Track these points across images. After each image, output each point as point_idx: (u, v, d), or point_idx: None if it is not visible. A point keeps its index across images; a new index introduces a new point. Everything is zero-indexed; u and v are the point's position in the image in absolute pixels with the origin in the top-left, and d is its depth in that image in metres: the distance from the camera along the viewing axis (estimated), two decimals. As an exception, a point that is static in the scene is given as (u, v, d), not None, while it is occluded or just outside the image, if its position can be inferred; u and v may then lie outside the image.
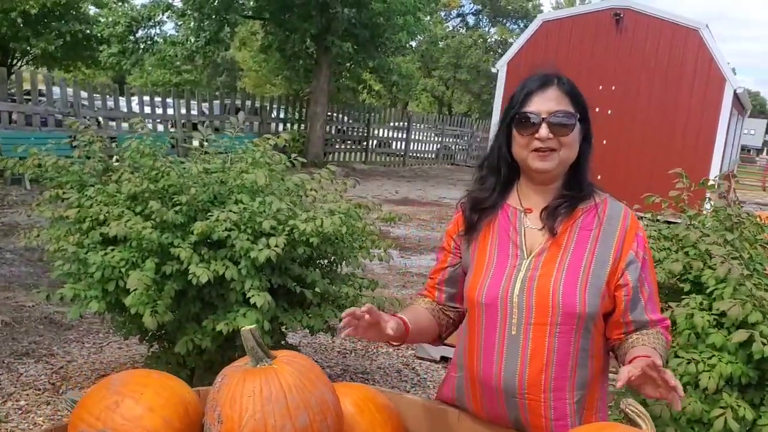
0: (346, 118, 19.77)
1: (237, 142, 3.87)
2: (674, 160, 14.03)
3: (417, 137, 22.75)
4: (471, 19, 30.00)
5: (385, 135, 21.62)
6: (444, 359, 4.98)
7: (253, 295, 3.09)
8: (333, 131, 18.87)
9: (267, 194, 3.45)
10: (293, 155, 3.89)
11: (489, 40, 25.52)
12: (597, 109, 14.54)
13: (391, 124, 21.67)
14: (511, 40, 26.01)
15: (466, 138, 24.59)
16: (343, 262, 3.79)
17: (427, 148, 23.48)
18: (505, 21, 29.03)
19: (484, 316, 1.79)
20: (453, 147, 24.63)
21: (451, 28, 27.95)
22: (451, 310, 2.00)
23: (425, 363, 4.94)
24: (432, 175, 20.11)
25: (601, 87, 14.67)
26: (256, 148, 3.60)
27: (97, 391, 1.69)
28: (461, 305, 1.96)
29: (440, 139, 23.58)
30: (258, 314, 3.21)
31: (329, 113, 18.02)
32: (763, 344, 2.19)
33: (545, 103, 1.75)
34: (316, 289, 3.59)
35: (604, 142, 14.62)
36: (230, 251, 3.21)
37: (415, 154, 22.75)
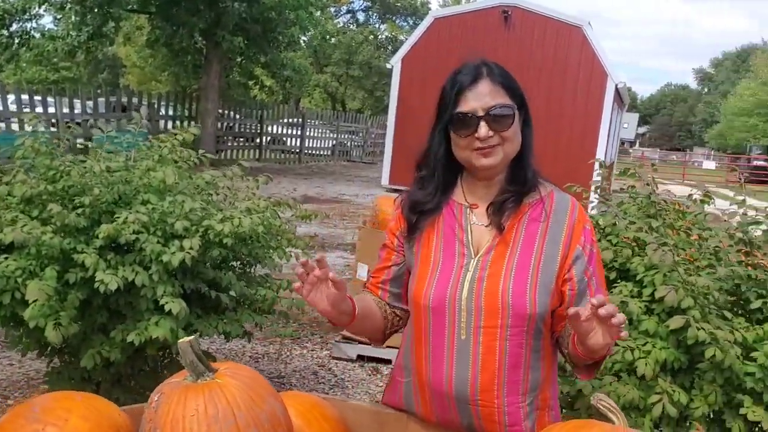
0: (237, 115, 19.32)
1: (129, 139, 3.58)
2: (562, 152, 14.60)
3: (312, 134, 22.55)
4: (361, 16, 30.22)
5: (279, 132, 21.29)
6: (360, 358, 4.90)
7: (167, 302, 2.89)
8: (224, 128, 18.39)
9: (176, 193, 3.24)
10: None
11: (380, 36, 25.62)
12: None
13: (285, 120, 21.36)
14: (401, 36, 26.23)
15: (361, 134, 24.61)
16: (258, 264, 3.63)
17: (322, 145, 23.33)
18: (394, 18, 29.27)
19: (431, 320, 1.70)
20: (348, 143, 24.58)
21: (341, 24, 27.90)
22: (395, 308, 1.89)
23: (342, 363, 4.84)
24: (329, 172, 19.99)
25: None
26: (163, 144, 3.37)
27: (12, 420, 1.49)
28: (403, 306, 1.86)
29: (335, 136, 23.48)
30: (172, 322, 3.00)
31: (220, 110, 17.53)
32: (698, 329, 2.23)
33: (479, 98, 1.66)
34: (232, 293, 3.42)
35: (497, 136, 14.99)
36: (139, 255, 2.99)
37: (310, 151, 22.55)
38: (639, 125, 67.44)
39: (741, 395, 2.36)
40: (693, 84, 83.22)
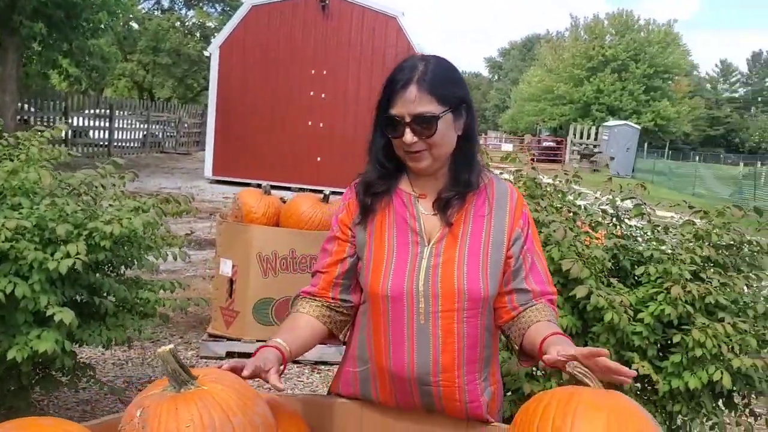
0: (38, 107, 17.75)
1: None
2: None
3: (120, 125, 21.27)
4: (166, 1, 28.85)
5: (84, 124, 19.87)
6: (230, 355, 4.80)
7: (55, 312, 2.67)
8: (22, 122, 16.84)
9: (44, 195, 2.99)
10: None
11: (187, 23, 24.70)
12: (312, 93, 14.97)
13: (90, 111, 19.96)
14: (210, 23, 25.49)
15: (173, 124, 23.62)
16: (134, 265, 3.44)
17: (132, 137, 22.10)
18: (201, 4, 28.32)
19: (390, 308, 1.74)
20: (160, 134, 23.49)
21: (146, 11, 26.48)
22: (344, 307, 1.88)
23: (212, 362, 4.71)
24: (143, 165, 18.98)
25: (313, 71, 15.11)
26: (27, 142, 3.08)
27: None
28: (354, 298, 1.88)
29: (146, 127, 22.32)
30: (56, 334, 2.78)
31: (20, 103, 16.02)
32: (598, 296, 2.48)
33: (406, 105, 1.69)
34: (111, 298, 3.22)
35: (321, 125, 15.13)
36: (15, 265, 2.73)
37: (120, 143, 21.27)
38: (440, 111, 70.46)
39: (630, 353, 2.66)
40: (485, 72, 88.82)
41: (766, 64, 69.91)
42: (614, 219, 3.00)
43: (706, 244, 2.84)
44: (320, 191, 5.10)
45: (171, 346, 1.49)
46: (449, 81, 1.74)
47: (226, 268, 4.90)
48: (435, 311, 1.72)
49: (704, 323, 2.57)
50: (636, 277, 2.93)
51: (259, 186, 5.23)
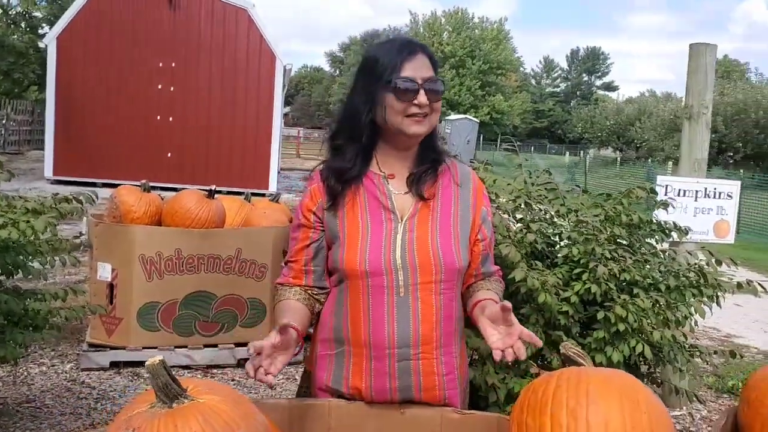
0: None
1: None
2: (239, 133, 14.70)
3: (-65, 123, 19.18)
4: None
5: None
6: (115, 365, 4.46)
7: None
8: None
9: None
10: None
11: (11, 12, 22.65)
12: (160, 86, 14.29)
13: None
14: (37, 13, 23.58)
15: (1, 122, 21.54)
16: (19, 273, 3.10)
17: (-50, 136, 19.99)
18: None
19: (369, 284, 1.76)
20: (-16, 133, 21.35)
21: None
22: (320, 293, 1.88)
23: (95, 373, 4.36)
24: (-34, 167, 17.22)
25: (161, 63, 14.45)
26: None
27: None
28: (329, 283, 1.87)
29: (-33, 125, 20.24)
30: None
31: None
32: (533, 278, 2.54)
33: (419, 69, 1.77)
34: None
35: (171, 119, 14.50)
36: None
37: (-63, 143, 19.19)
38: (283, 105, 70.36)
39: (557, 332, 2.75)
40: (326, 67, 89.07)
41: (582, 60, 75.67)
42: (523, 204, 3.08)
43: (616, 224, 3.00)
44: (173, 189, 4.84)
45: (160, 357, 1.35)
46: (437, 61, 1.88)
47: (104, 272, 4.54)
48: (414, 283, 1.75)
49: (625, 299, 2.71)
50: (552, 259, 3.03)
51: (107, 185, 4.89)
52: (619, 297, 2.74)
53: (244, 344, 4.71)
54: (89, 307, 3.23)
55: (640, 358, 2.84)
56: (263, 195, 11.11)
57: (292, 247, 1.88)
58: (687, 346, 3.09)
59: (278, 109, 15.16)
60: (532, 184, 3.13)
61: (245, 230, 4.82)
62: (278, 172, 16.23)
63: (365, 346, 1.77)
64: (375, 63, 1.79)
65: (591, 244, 2.75)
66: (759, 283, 2.94)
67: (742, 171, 20.24)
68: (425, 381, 1.79)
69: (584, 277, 2.73)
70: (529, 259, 2.84)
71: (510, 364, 1.85)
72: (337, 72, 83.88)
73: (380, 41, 1.94)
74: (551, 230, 3.21)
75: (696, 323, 3.13)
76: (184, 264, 4.55)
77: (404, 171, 1.86)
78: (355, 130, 1.82)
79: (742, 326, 6.90)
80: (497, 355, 1.62)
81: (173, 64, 14.50)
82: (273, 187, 14.89)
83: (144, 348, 4.53)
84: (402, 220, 1.78)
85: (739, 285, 2.98)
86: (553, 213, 3.21)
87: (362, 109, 1.80)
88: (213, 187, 4.75)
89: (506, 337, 1.64)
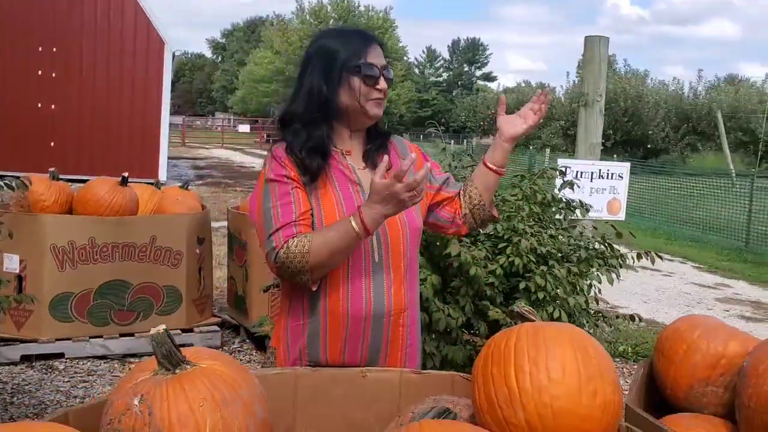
0: None
1: None
2: (126, 121, 14.23)
3: None
4: None
5: None
6: (26, 359, 4.33)
7: None
8: None
9: None
10: None
11: None
12: (40, 72, 13.61)
13: None
14: None
15: None
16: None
17: None
18: None
19: None
20: None
21: None
22: None
23: (5, 368, 4.22)
24: None
25: (41, 48, 13.72)
26: None
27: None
28: None
29: None
30: None
31: None
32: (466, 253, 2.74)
33: (377, 57, 1.94)
34: None
35: (53, 107, 13.85)
36: None
37: None
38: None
39: (484, 302, 2.97)
40: (208, 53, 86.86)
41: (463, 51, 77.74)
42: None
43: (531, 202, 3.26)
44: (58, 179, 4.71)
45: (163, 326, 1.42)
46: None
47: (11, 264, 4.39)
48: (386, 248, 1.91)
49: (543, 270, 2.97)
50: (475, 236, 3.26)
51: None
52: (538, 268, 3.00)
53: (162, 332, 4.68)
54: (16, 297, 3.15)
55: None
56: (153, 184, 10.84)
57: (298, 209, 1.85)
58: (592, 312, 3.40)
59: (167, 96, 14.76)
60: (455, 168, 3.33)
61: (160, 217, 4.78)
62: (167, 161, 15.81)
63: (343, 313, 1.88)
64: (338, 50, 1.92)
65: (513, 221, 2.98)
66: (656, 253, 3.28)
67: (615, 156, 21.59)
68: (392, 336, 1.95)
69: (508, 251, 2.97)
70: (457, 237, 3.05)
71: (441, 331, 2.04)
72: (220, 58, 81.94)
73: (332, 30, 2.09)
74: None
75: (600, 291, 3.46)
76: (98, 252, 4.47)
77: (357, 148, 2.01)
78: (316, 112, 1.92)
79: (624, 298, 7.47)
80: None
81: (54, 49, 13.80)
82: (162, 176, 14.49)
83: (57, 339, 4.42)
84: (368, 191, 1.88)
85: (639, 255, 3.32)
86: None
87: (325, 91, 1.91)
88: (125, 174, 4.68)
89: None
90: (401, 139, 2.15)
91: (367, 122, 1.98)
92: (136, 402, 1.36)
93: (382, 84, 1.92)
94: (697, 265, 10.12)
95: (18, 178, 3.83)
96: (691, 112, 30.51)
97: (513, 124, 2.05)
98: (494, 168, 2.07)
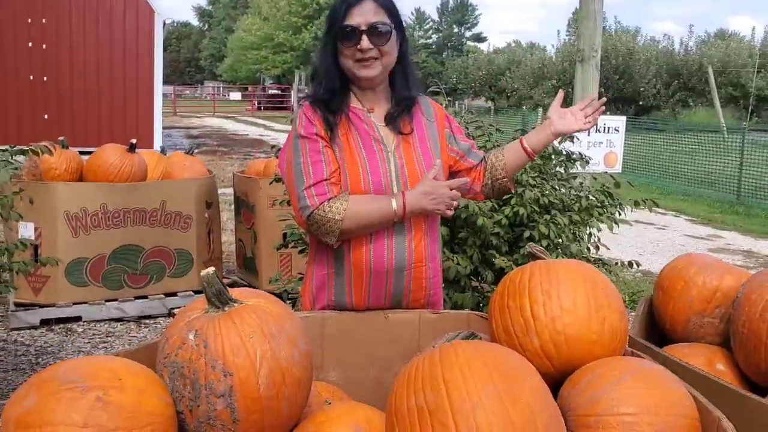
0: None
1: None
2: (119, 91, 14.21)
3: None
4: None
5: None
6: (45, 323, 4.47)
7: None
8: None
9: None
10: None
11: None
12: (30, 44, 13.55)
13: None
14: None
15: None
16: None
17: None
18: None
19: None
20: None
21: None
22: None
23: (26, 332, 4.37)
24: None
25: (30, 20, 13.62)
26: None
27: (54, 395, 1.31)
28: None
29: None
30: None
31: None
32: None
33: (364, 15, 1.95)
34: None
35: (45, 78, 13.81)
36: None
37: None
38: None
39: (490, 251, 3.12)
40: (195, 21, 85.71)
41: (452, 12, 76.98)
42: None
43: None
44: (67, 147, 4.80)
45: (213, 268, 1.56)
46: (394, 4, 2.05)
47: (27, 231, 4.50)
48: None
49: (546, 219, 3.11)
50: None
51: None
52: (541, 217, 3.14)
53: (174, 294, 4.84)
54: (42, 260, 3.28)
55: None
56: (160, 151, 10.89)
57: (327, 169, 1.95)
58: (593, 259, 3.55)
59: (159, 65, 14.69)
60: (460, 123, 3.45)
61: (169, 183, 4.89)
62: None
63: (365, 265, 2.00)
64: (330, 12, 2.01)
65: (518, 172, 3.11)
66: (653, 200, 3.42)
67: (607, 113, 21.66)
68: (415, 286, 2.07)
69: (512, 201, 3.10)
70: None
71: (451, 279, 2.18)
72: (206, 26, 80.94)
73: None
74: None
75: (599, 239, 3.61)
76: (110, 218, 4.59)
77: (381, 105, 2.09)
78: (326, 76, 2.03)
79: (620, 251, 7.65)
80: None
81: (44, 21, 13.70)
82: (157, 145, 14.53)
83: (74, 303, 4.57)
84: (390, 151, 2.03)
85: (636, 203, 3.46)
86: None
87: (327, 55, 2.01)
88: (134, 141, 4.78)
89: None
90: (427, 100, 2.20)
91: (364, 83, 2.04)
92: (191, 336, 1.50)
93: (365, 44, 1.94)
94: (690, 218, 10.31)
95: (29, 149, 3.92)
96: (682, 68, 30.49)
97: (565, 121, 2.14)
98: (529, 151, 2.17)
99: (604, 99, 2.22)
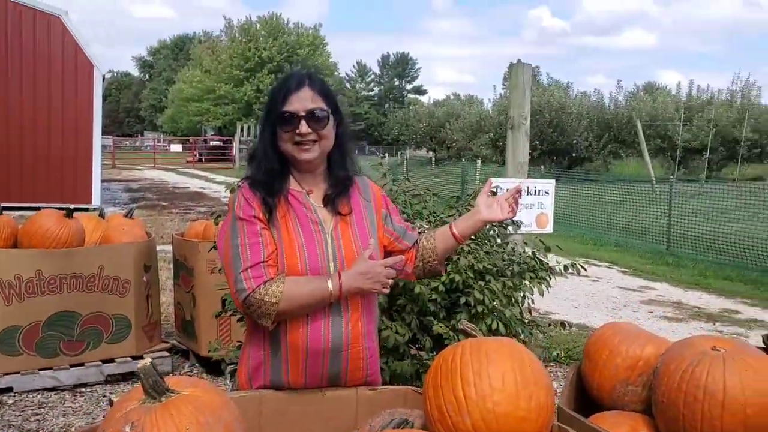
0: None
1: None
2: (56, 146, 14.01)
3: None
4: None
5: None
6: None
7: None
8: None
9: None
10: None
11: None
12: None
13: None
14: None
15: None
16: None
17: None
18: None
19: None
20: None
21: None
22: None
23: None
24: None
25: (-36, 74, 13.38)
26: None
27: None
28: None
29: None
30: None
31: None
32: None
33: (302, 101, 2.05)
34: None
35: (-21, 134, 13.52)
36: None
37: None
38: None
39: (428, 318, 3.20)
40: (135, 72, 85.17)
41: (393, 65, 78.61)
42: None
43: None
44: (1, 213, 4.72)
45: (149, 359, 1.59)
46: (330, 90, 2.16)
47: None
48: None
49: (481, 285, 3.22)
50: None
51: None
52: (476, 283, 3.25)
53: (112, 360, 4.76)
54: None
55: (495, 334, 3.36)
56: (87, 209, 10.75)
57: (265, 250, 2.00)
58: (527, 321, 3.67)
59: (98, 120, 14.58)
60: (395, 191, 3.57)
61: (107, 247, 4.84)
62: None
63: (301, 346, 2.04)
64: (269, 99, 2.11)
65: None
66: (581, 265, 3.57)
67: (542, 166, 22.33)
68: (352, 367, 2.12)
69: (448, 268, 3.20)
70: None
71: (390, 347, 2.24)
72: (147, 77, 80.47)
73: (282, 76, 2.22)
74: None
75: (533, 301, 3.74)
76: (46, 285, 4.51)
77: (320, 186, 2.16)
78: (265, 158, 2.11)
79: (556, 305, 7.85)
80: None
81: (-22, 76, 13.50)
82: (96, 200, 14.32)
83: (5, 374, 4.43)
84: (327, 232, 2.09)
85: (566, 267, 3.61)
86: (411, 213, 3.67)
87: (267, 138, 2.10)
88: (71, 206, 4.74)
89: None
90: (366, 182, 2.27)
91: (303, 166, 2.12)
92: (127, 429, 1.52)
93: (303, 128, 2.03)
94: (622, 269, 10.65)
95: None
96: (612, 120, 31.67)
97: (491, 210, 2.24)
98: (458, 236, 2.27)
99: (520, 186, 2.32)
